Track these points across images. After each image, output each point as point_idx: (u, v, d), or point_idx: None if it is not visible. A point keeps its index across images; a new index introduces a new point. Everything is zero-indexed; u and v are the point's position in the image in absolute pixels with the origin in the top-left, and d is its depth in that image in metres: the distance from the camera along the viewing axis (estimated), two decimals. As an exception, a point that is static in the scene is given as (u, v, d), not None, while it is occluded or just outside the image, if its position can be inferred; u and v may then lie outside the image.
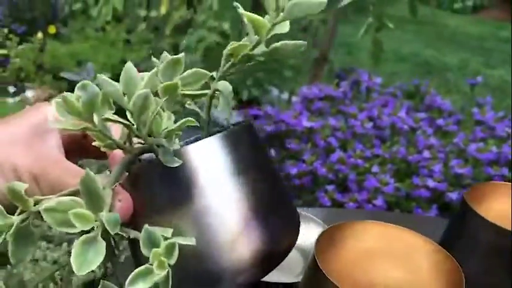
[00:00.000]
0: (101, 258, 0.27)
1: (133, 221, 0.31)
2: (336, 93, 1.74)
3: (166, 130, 0.30)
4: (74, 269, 0.26)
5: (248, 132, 0.34)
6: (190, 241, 0.28)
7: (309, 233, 0.65)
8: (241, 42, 0.33)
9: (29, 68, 2.55)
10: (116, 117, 0.29)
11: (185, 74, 0.33)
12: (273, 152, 1.59)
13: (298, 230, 0.36)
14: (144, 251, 0.27)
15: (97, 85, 0.28)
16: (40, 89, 2.42)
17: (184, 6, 2.61)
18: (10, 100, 2.39)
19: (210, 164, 0.31)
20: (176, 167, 0.30)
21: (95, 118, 0.29)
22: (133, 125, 0.29)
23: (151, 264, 0.27)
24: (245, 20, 0.32)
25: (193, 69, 0.34)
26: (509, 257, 0.51)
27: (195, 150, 0.31)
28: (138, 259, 0.33)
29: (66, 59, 2.65)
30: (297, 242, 0.64)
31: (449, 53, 4.32)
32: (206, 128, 0.35)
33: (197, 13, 2.52)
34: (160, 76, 0.33)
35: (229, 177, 0.31)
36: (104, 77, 0.28)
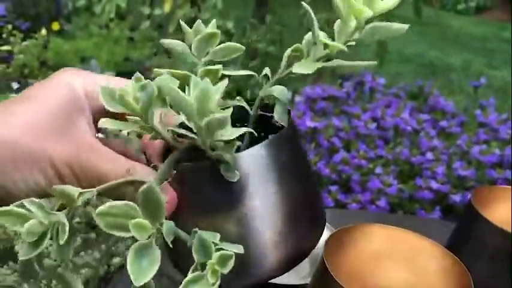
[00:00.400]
0: (156, 266, 0.26)
1: (174, 217, 0.31)
2: (339, 94, 1.74)
3: (226, 139, 0.29)
4: (132, 278, 0.25)
5: (292, 134, 0.35)
6: (238, 249, 0.28)
7: (315, 235, 0.65)
8: (310, 61, 0.32)
9: (32, 64, 2.55)
10: (181, 131, 0.29)
11: (217, 48, 0.32)
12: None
13: (323, 230, 0.37)
14: (196, 257, 0.27)
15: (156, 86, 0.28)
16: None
17: (188, 5, 2.61)
18: (14, 96, 2.39)
19: (259, 170, 0.31)
20: None
21: (149, 115, 0.28)
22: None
23: (197, 269, 0.27)
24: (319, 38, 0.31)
25: (226, 44, 0.33)
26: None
27: (247, 156, 0.31)
28: (177, 254, 0.33)
29: (69, 55, 2.66)
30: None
31: (453, 54, 4.32)
32: (252, 126, 0.34)
33: (201, 11, 2.52)
34: (193, 50, 0.32)
35: (275, 182, 0.32)
36: (172, 86, 0.27)
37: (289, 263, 0.33)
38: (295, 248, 0.33)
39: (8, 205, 0.27)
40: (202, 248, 0.28)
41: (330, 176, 1.43)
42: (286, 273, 0.60)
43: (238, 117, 0.33)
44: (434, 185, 1.38)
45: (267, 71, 0.34)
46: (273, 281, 0.56)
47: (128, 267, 0.26)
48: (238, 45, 0.33)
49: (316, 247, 0.65)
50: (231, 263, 0.27)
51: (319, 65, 0.32)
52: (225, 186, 0.31)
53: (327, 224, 0.66)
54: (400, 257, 0.49)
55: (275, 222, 0.32)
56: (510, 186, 0.64)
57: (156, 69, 0.32)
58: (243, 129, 0.29)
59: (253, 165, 0.31)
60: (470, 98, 2.23)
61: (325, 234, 0.65)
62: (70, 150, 0.31)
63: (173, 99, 0.27)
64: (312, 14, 0.31)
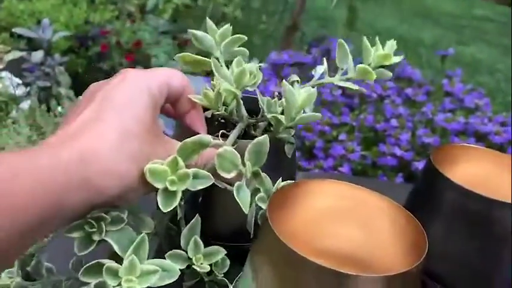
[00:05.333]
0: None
1: None
2: (306, 60, 1.69)
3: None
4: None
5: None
6: None
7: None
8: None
9: (-16, 26, 2.40)
10: (278, 116, 0.39)
11: (228, 40, 0.42)
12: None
13: None
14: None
15: None
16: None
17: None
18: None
19: None
20: None
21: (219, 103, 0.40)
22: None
23: None
24: None
25: (235, 36, 0.42)
26: (474, 219, 0.48)
27: None
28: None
29: (25, 17, 2.51)
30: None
31: (423, 29, 4.33)
32: None
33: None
34: (221, 47, 0.41)
35: None
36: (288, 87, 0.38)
37: None
38: None
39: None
40: None
41: (293, 143, 1.38)
42: (237, 235, 0.55)
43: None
44: (397, 151, 1.36)
45: None
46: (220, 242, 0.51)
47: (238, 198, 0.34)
48: (242, 36, 0.42)
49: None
50: None
51: None
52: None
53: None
54: (351, 214, 0.45)
55: None
56: (469, 145, 0.61)
57: (179, 55, 0.42)
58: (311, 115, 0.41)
59: None
60: (437, 69, 2.23)
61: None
62: (163, 153, 0.34)
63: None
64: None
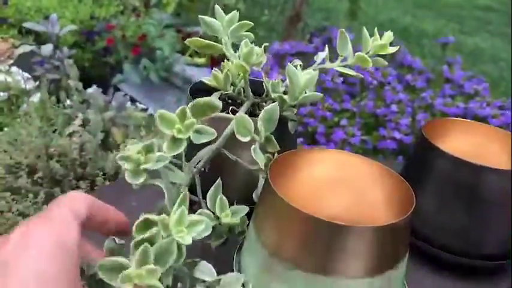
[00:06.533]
0: None
1: None
2: (307, 49, 1.72)
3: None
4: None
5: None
6: None
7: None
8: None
9: (-8, 22, 2.44)
10: (282, 96, 0.43)
11: (235, 26, 0.45)
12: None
13: None
14: None
15: None
16: (2, 41, 2.32)
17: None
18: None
19: None
20: None
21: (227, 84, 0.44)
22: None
23: None
24: None
25: (241, 22, 0.45)
26: (463, 185, 0.51)
27: None
28: None
29: (32, 13, 2.55)
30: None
31: (426, 21, 4.32)
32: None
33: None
34: (228, 32, 0.45)
35: None
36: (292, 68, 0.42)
37: None
38: None
39: None
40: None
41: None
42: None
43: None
44: (397, 135, 1.39)
45: None
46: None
47: (255, 156, 0.40)
48: (248, 22, 0.46)
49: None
50: None
51: None
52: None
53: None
54: (344, 179, 0.48)
55: None
56: (458, 119, 0.64)
57: (190, 40, 0.45)
58: (311, 94, 0.44)
59: None
60: (439, 58, 2.24)
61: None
62: None
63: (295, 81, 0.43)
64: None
